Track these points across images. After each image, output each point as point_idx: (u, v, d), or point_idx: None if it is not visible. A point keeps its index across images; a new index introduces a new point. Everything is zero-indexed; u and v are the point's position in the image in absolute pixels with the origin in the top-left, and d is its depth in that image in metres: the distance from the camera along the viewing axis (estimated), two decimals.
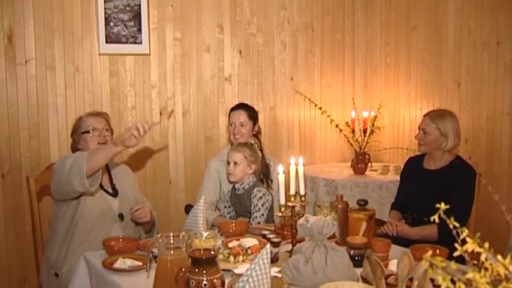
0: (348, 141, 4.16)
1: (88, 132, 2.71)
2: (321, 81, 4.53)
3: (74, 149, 2.80)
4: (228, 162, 2.97)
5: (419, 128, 3.01)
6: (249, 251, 2.13)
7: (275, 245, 2.23)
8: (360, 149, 4.04)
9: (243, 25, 4.15)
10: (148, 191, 3.84)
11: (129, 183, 2.91)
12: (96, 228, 2.61)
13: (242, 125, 3.17)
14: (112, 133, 2.84)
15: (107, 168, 2.81)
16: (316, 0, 4.45)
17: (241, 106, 3.28)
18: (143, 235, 2.85)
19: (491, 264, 0.89)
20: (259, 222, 2.87)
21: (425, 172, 3.02)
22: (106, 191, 2.73)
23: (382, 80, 4.66)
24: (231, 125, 3.21)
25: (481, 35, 3.77)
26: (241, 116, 3.18)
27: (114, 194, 2.75)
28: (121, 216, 2.71)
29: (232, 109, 3.27)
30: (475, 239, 0.90)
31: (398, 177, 3.27)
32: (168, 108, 3.92)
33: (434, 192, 2.85)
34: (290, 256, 2.07)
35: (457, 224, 0.94)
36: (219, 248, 2.15)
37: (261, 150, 3.13)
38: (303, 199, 2.24)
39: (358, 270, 1.93)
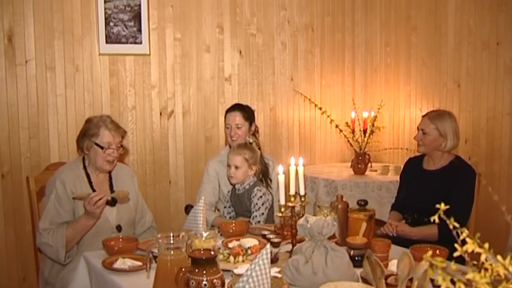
0: (348, 141, 4.16)
1: (102, 148, 2.60)
2: (321, 82, 4.53)
3: (80, 151, 2.69)
4: (229, 166, 2.95)
5: (418, 128, 3.01)
6: (249, 251, 2.13)
7: (275, 245, 2.23)
8: (360, 149, 4.04)
9: (243, 25, 4.15)
10: (149, 191, 3.84)
11: (131, 189, 2.76)
12: (92, 243, 2.53)
13: (238, 127, 3.14)
14: (124, 150, 2.73)
15: (108, 172, 2.72)
16: (316, 1, 4.45)
17: (236, 107, 3.22)
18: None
19: (491, 265, 0.89)
20: (259, 221, 2.86)
21: (425, 173, 3.02)
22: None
23: (382, 80, 4.66)
24: (228, 127, 3.18)
25: (481, 35, 3.77)
26: (237, 118, 3.15)
27: (113, 202, 2.62)
28: (119, 228, 2.62)
29: (228, 111, 3.23)
30: (475, 240, 0.90)
31: (398, 178, 3.27)
32: (168, 109, 3.92)
33: (434, 192, 2.85)
34: (290, 256, 2.07)
35: (457, 225, 0.94)
36: (219, 248, 2.15)
37: (259, 149, 3.12)
38: (302, 199, 2.24)
39: (358, 271, 1.93)
